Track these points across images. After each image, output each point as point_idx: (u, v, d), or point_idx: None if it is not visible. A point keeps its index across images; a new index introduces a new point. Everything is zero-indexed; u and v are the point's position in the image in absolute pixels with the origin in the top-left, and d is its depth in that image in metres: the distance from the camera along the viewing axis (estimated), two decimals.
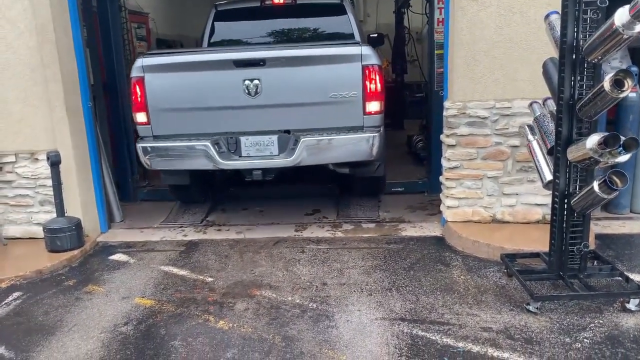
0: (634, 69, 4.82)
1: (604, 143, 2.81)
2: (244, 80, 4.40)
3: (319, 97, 4.42)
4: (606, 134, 2.83)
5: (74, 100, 4.83)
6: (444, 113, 4.51)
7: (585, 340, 3.06)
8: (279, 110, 4.48)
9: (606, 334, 3.11)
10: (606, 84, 2.83)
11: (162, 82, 4.50)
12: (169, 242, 4.92)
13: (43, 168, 4.71)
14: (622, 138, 2.80)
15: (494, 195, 4.56)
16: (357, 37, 5.76)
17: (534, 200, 4.50)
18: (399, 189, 6.07)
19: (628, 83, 2.80)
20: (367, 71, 4.37)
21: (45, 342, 3.31)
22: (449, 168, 4.59)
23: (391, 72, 10.84)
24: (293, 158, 4.45)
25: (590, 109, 3.07)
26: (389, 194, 6.00)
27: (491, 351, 2.99)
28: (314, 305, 3.59)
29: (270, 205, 5.83)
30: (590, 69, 3.21)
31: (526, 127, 3.93)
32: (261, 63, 4.39)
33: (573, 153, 3.17)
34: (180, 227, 5.28)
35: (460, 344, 3.07)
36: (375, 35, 7.48)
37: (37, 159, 4.75)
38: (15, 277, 4.17)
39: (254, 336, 3.25)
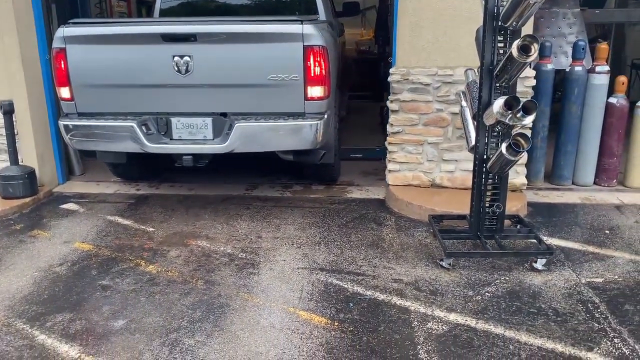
0: (582, 43, 4.93)
1: (506, 106, 2.94)
2: (174, 57, 3.99)
3: (256, 79, 4.03)
4: (507, 97, 2.96)
5: (31, 53, 4.92)
6: (389, 79, 4.61)
7: (486, 294, 3.24)
8: (213, 90, 4.11)
9: (508, 289, 3.29)
10: (514, 50, 2.95)
11: (85, 55, 4.13)
12: (122, 195, 5.08)
13: None
14: (522, 100, 2.93)
15: (433, 160, 4.71)
16: (321, 12, 5.43)
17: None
18: (358, 155, 6.21)
19: (534, 48, 2.92)
20: (309, 53, 3.95)
21: None
22: (392, 133, 4.72)
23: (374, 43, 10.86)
24: (227, 144, 4.07)
25: (503, 74, 3.20)
26: (347, 159, 6.14)
27: (395, 299, 3.18)
28: (244, 255, 3.77)
29: (225, 169, 5.98)
30: (509, 35, 3.31)
31: (461, 93, 4.05)
32: (192, 38, 3.97)
33: (487, 118, 3.31)
34: (135, 182, 5.43)
35: (369, 292, 3.26)
36: (351, 2, 7.43)
37: None
38: None
39: (178, 279, 3.44)
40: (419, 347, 2.74)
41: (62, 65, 4.14)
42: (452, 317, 3.00)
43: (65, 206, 4.78)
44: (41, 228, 4.29)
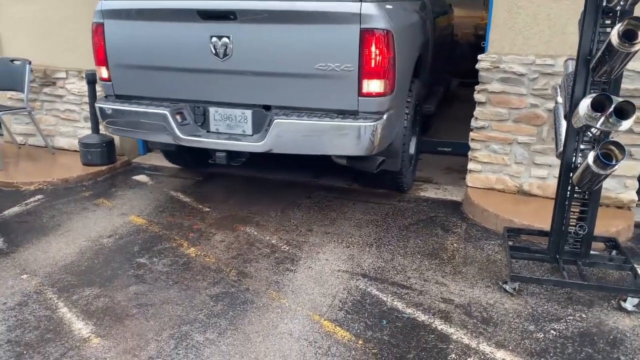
0: None
1: (595, 107, 2.33)
2: (211, 37, 3.49)
3: (302, 68, 3.41)
4: (596, 95, 2.34)
5: None
6: (477, 66, 4.03)
7: (552, 331, 2.68)
8: (254, 79, 3.54)
9: (581, 330, 2.69)
10: (613, 36, 2.32)
11: (122, 31, 3.78)
12: (193, 171, 5.07)
13: None
14: (616, 100, 2.30)
15: (522, 163, 4.07)
16: None
17: None
18: (446, 148, 5.66)
19: None
20: (368, 38, 3.23)
21: (36, 241, 3.61)
22: (476, 128, 4.15)
23: None
24: (263, 143, 3.49)
25: (602, 67, 2.56)
26: (434, 153, 5.62)
27: (437, 323, 2.74)
28: (287, 248, 3.52)
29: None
30: (617, 17, 2.65)
31: (557, 87, 3.40)
32: (231, 16, 3.42)
33: (575, 119, 2.69)
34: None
35: (409, 310, 2.84)
36: None
37: (83, 77, 5.07)
38: (44, 182, 4.57)
39: (212, 267, 3.28)
40: None
41: (100, 42, 3.84)
42: (500, 355, 2.50)
43: (136, 177, 4.88)
44: (107, 197, 4.39)
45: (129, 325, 2.71)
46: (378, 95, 3.37)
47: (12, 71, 5.08)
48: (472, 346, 2.57)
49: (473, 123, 4.17)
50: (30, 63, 5.04)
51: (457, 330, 2.68)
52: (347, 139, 3.38)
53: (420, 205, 4.25)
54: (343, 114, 3.43)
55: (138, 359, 2.47)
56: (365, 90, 3.35)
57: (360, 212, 4.11)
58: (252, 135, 3.64)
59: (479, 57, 4.02)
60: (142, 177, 4.88)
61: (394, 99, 3.52)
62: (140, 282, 3.11)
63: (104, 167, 4.90)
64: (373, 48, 3.25)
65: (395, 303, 2.91)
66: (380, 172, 3.96)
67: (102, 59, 3.87)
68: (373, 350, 2.54)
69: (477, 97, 4.09)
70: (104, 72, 3.92)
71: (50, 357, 2.47)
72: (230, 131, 3.69)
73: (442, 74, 6.55)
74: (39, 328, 2.68)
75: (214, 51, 3.52)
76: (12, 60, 5.12)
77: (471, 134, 4.21)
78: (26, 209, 4.14)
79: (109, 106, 3.88)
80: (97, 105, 3.99)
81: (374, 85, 3.34)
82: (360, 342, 2.60)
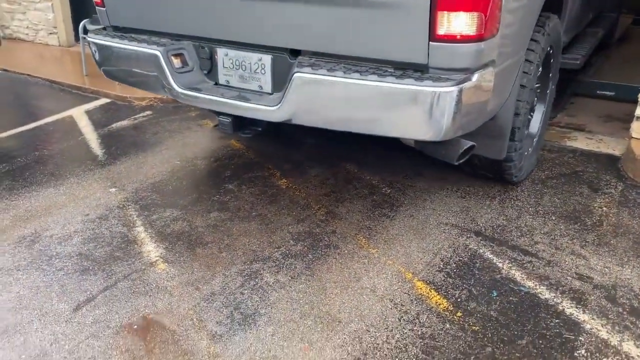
0: None
1: None
2: None
3: None
4: None
5: None
6: None
7: None
8: (278, 7, 2.33)
9: None
10: None
11: None
12: None
13: None
14: None
15: None
16: None
17: None
18: (608, 92, 4.62)
19: None
20: None
21: (133, 155, 3.52)
22: None
23: None
24: (278, 107, 2.34)
25: None
26: (593, 97, 4.62)
27: (566, 306, 2.10)
28: (388, 191, 3.02)
29: None
30: None
31: None
32: None
33: None
34: None
35: (529, 284, 2.23)
36: None
37: None
38: (155, 99, 4.52)
39: (301, 202, 2.91)
40: None
41: None
42: None
43: None
44: (212, 119, 4.19)
45: (200, 255, 2.46)
46: (465, 39, 2.02)
47: None
48: (612, 343, 1.91)
49: None
50: None
51: (593, 319, 2.03)
52: (405, 111, 2.11)
53: (565, 157, 3.44)
54: (403, 68, 2.14)
55: (200, 292, 2.21)
56: (442, 29, 2.02)
57: None
58: (272, 94, 2.49)
59: None
60: None
61: (498, 45, 2.18)
62: (223, 209, 2.84)
63: None
64: None
65: (513, 272, 2.31)
66: (472, 157, 2.76)
67: None
68: (474, 327, 2.00)
69: None
70: None
71: (113, 277, 2.31)
72: (243, 85, 2.57)
73: (604, 8, 5.19)
74: (111, 245, 2.54)
75: None
76: None
77: None
78: (133, 123, 4.10)
79: (97, 41, 2.88)
80: (87, 38, 3.03)
81: (458, 22, 2.00)
82: (459, 314, 2.07)
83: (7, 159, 3.50)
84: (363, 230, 2.63)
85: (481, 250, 2.46)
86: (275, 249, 2.49)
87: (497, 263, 2.37)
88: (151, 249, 2.50)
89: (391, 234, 2.59)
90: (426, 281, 2.26)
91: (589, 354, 1.87)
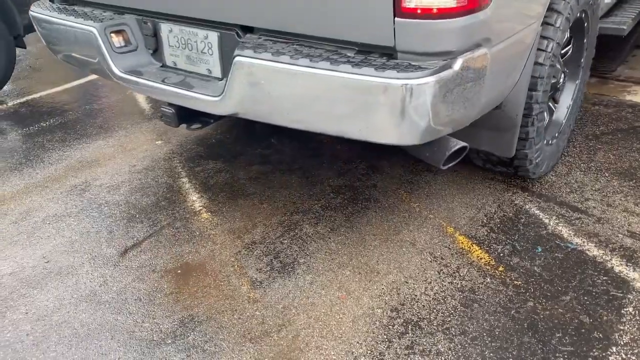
0: None
1: None
2: None
3: None
4: None
5: None
6: None
7: None
8: None
9: None
10: None
11: None
12: None
13: None
14: None
15: None
16: None
17: None
18: None
19: None
20: None
21: None
22: None
23: None
24: (220, 99, 1.92)
25: None
26: None
27: (615, 264, 2.02)
28: None
29: None
30: None
31: None
32: None
33: None
34: None
35: (577, 240, 2.15)
36: None
37: None
38: None
39: (343, 155, 2.88)
40: (617, 355, 1.67)
41: None
42: None
43: None
44: None
45: (242, 205, 2.49)
46: (444, 13, 1.53)
47: None
48: None
49: None
50: None
51: None
52: (365, 110, 1.64)
53: (623, 112, 3.25)
54: (368, 52, 1.67)
55: (241, 241, 2.25)
56: (409, 0, 1.53)
57: None
58: (222, 79, 2.05)
59: None
60: None
61: (493, 19, 1.66)
62: (265, 162, 2.86)
63: None
64: None
65: (560, 228, 2.23)
66: (479, 153, 2.41)
67: None
68: (516, 282, 1.96)
69: None
70: None
71: (158, 224, 2.38)
72: (191, 68, 2.15)
73: None
74: (157, 194, 2.61)
75: None
76: None
77: None
78: None
79: (35, 14, 2.50)
80: (31, 12, 2.56)
81: None
82: (500, 268, 2.03)
83: (60, 112, 3.62)
84: (405, 184, 2.59)
85: (527, 206, 2.38)
86: (315, 202, 2.49)
87: (544, 219, 2.29)
88: (195, 199, 2.56)
89: (434, 189, 2.54)
90: (468, 235, 2.21)
91: (637, 311, 1.80)
